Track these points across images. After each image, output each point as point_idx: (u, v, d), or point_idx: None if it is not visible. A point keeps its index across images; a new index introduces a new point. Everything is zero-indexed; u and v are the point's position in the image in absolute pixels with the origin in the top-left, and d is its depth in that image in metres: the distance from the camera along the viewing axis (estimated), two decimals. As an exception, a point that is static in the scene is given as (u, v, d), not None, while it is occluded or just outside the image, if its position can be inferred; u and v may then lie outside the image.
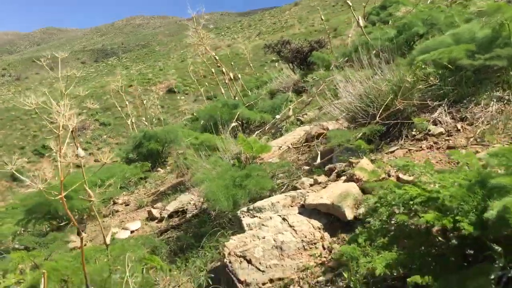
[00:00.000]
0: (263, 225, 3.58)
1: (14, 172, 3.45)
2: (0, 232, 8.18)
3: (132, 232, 6.05)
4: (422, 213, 2.39)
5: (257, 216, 3.80)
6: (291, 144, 6.04)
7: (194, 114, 11.77)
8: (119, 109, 14.65)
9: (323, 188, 3.99)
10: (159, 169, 8.85)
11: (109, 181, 7.82)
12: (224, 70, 9.10)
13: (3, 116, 47.71)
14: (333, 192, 3.60)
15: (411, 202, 2.37)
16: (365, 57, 5.57)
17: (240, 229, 3.93)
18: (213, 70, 10.26)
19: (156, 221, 6.23)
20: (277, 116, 7.61)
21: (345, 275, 2.53)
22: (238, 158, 5.20)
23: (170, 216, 6.01)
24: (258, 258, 3.32)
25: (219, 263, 4.13)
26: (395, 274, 2.30)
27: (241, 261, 3.34)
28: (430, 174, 2.67)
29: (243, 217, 3.86)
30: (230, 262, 3.36)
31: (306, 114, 7.44)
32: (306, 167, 5.29)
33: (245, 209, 3.96)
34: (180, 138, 9.17)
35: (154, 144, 8.88)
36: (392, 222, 2.55)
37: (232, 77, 9.21)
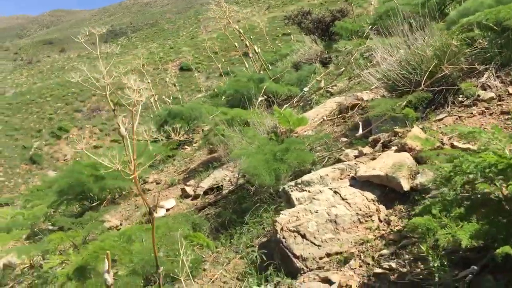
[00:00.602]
0: (314, 198, 3.50)
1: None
2: (32, 214, 8.25)
3: (167, 210, 6.03)
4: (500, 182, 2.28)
5: (306, 190, 3.71)
6: (326, 116, 5.91)
7: (215, 90, 11.64)
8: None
9: (372, 159, 3.87)
10: (185, 146, 8.79)
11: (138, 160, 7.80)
12: (248, 43, 8.93)
13: (18, 100, 48.07)
14: (385, 163, 3.48)
15: (488, 170, 2.25)
16: (395, 23, 5.36)
17: (288, 203, 3.85)
18: (236, 44, 10.07)
19: (190, 198, 6.19)
20: (305, 89, 7.45)
21: (423, 247, 2.43)
22: (274, 132, 5.09)
23: (205, 193, 5.96)
24: (312, 233, 3.25)
25: (265, 239, 4.08)
26: (475, 245, 2.21)
27: (295, 236, 3.26)
28: (498, 140, 2.54)
29: (291, 191, 3.78)
30: (283, 238, 3.29)
31: (335, 85, 7.28)
32: (344, 139, 5.17)
33: (292, 183, 3.88)
34: (204, 115, 9.09)
35: (179, 122, 8.80)
36: (465, 191, 2.44)
37: (256, 50, 9.04)
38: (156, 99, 12.35)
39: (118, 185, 7.02)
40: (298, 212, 3.42)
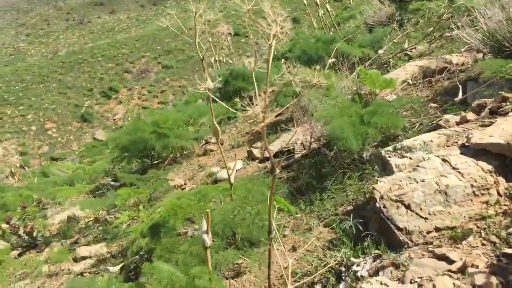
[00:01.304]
0: (418, 166, 3.13)
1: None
2: (93, 169, 8.28)
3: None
4: None
5: (406, 156, 3.35)
6: (411, 79, 5.44)
7: (275, 52, 11.21)
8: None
9: (481, 126, 3.44)
10: (247, 108, 8.51)
11: (200, 119, 7.61)
12: (318, 1, 8.43)
13: (71, 59, 49.12)
14: (504, 130, 3.05)
15: None
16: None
17: (383, 170, 3.51)
18: (305, 1, 9.55)
19: (258, 161, 5.94)
20: (380, 51, 6.94)
21: None
22: (358, 94, 4.70)
23: (274, 156, 5.67)
24: (418, 204, 2.90)
25: (350, 207, 3.78)
26: None
27: (398, 206, 2.93)
28: None
29: (389, 157, 3.42)
30: (384, 207, 2.96)
31: (414, 48, 6.73)
32: (434, 105, 4.73)
33: (390, 148, 3.51)
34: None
35: (241, 83, 8.51)
36: None
37: (328, 9, 8.53)
38: (216, 59, 12.08)
39: (181, 144, 6.85)
40: (400, 180, 3.07)
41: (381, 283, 2.38)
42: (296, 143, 5.60)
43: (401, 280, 2.43)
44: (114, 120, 40.77)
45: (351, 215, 3.51)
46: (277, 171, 1.80)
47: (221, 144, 7.03)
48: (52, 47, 63.09)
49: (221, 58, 12.25)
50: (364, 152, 4.30)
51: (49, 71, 45.82)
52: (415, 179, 3.03)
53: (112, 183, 7.58)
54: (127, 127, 8.20)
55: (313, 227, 3.70)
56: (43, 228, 6.13)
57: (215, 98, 2.91)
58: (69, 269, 5.01)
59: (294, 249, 3.56)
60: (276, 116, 6.99)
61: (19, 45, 65.12)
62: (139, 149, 7.12)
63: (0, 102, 39.09)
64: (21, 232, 5.95)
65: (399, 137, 4.37)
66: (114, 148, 7.44)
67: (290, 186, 4.60)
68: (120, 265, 4.42)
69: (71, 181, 7.97)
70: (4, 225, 6.44)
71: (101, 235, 5.62)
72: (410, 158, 3.30)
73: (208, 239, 2.23)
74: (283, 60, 10.56)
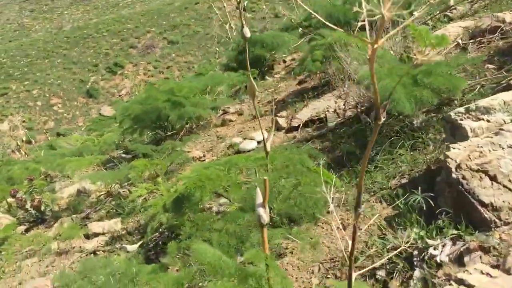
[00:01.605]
0: (501, 129, 2.60)
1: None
2: (103, 141, 7.81)
3: (258, 142, 5.30)
4: None
5: (482, 119, 2.82)
6: (461, 40, 4.86)
7: (292, 20, 10.59)
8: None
9: None
10: (266, 77, 7.95)
11: (217, 88, 7.08)
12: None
13: (75, 34, 48.34)
14: None
15: None
16: None
17: (451, 136, 2.98)
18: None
19: (284, 131, 5.42)
20: (416, 13, 6.31)
21: None
22: (407, 53, 4.14)
23: (304, 125, 5.16)
24: (506, 175, 2.38)
25: (405, 180, 3.27)
26: None
27: (481, 178, 2.41)
28: None
29: (461, 119, 2.89)
30: (464, 179, 2.45)
31: (454, 9, 6.12)
32: (490, 66, 4.18)
33: (461, 109, 2.98)
34: (287, 43, 8.16)
35: (260, 50, 7.93)
36: None
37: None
38: (231, 26, 11.45)
39: (198, 113, 6.33)
40: (481, 146, 2.55)
41: (482, 272, 1.88)
42: (328, 111, 5.07)
43: (504, 269, 1.93)
44: (120, 95, 40.21)
45: (407, 188, 3.02)
46: (382, 119, 1.29)
47: (241, 114, 6.52)
48: (56, 22, 62.12)
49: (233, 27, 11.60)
50: (414, 118, 3.78)
51: (54, 46, 45.11)
52: (499, 144, 2.51)
53: (124, 155, 7.12)
54: (139, 96, 7.67)
55: (363, 202, 3.20)
56: (52, 202, 5.67)
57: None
58: (80, 247, 4.57)
59: (343, 227, 3.07)
60: (297, 84, 6.45)
61: (23, 20, 64.23)
62: (152, 119, 6.62)
63: (5, 77, 38.60)
64: (28, 206, 5.49)
65: (455, 102, 3.83)
66: (125, 119, 6.93)
67: (327, 156, 4.09)
68: (139, 243, 3.97)
69: (80, 153, 7.48)
70: (10, 199, 6.00)
71: (114, 210, 5.16)
72: (488, 121, 2.77)
73: (265, 214, 1.73)
74: (300, 29, 9.96)
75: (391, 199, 3.04)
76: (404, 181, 3.26)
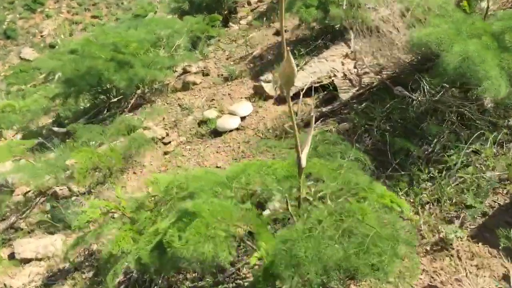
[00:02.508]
0: None
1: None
2: (27, 108, 6.20)
3: (242, 119, 4.01)
4: None
5: None
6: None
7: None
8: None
9: None
10: (230, 24, 6.49)
11: (173, 40, 5.58)
12: None
13: (-15, -34, 42.61)
14: None
15: None
16: None
17: None
18: None
19: (274, 101, 4.17)
20: None
21: None
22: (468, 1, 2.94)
23: (297, 95, 3.92)
24: None
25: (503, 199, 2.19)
26: None
27: None
28: None
29: None
30: None
31: None
32: None
33: None
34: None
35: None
36: None
37: None
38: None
39: (153, 76, 4.88)
40: None
41: None
42: (334, 75, 3.85)
43: None
44: (42, 36, 36.35)
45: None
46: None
47: (207, 75, 5.15)
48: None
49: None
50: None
51: (-40, -19, 39.68)
52: None
53: (56, 129, 5.57)
54: (69, 46, 5.99)
55: (451, 240, 2.09)
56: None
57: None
58: (5, 285, 3.21)
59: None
60: (275, 34, 5.09)
61: None
62: (90, 83, 5.09)
63: None
64: None
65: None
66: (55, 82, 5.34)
67: (353, 146, 2.91)
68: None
69: (-3, 127, 5.86)
70: None
71: (49, 218, 3.78)
72: None
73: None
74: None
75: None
76: (501, 200, 2.18)
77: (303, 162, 1.97)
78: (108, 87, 5.25)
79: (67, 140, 4.94)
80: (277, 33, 5.43)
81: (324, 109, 3.52)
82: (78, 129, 4.13)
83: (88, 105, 6.00)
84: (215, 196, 2.14)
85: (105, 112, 5.39)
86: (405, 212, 2.07)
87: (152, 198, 2.78)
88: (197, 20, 5.93)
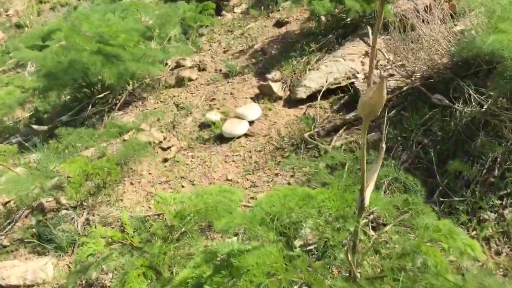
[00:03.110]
0: None
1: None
2: (1, 100, 5.65)
3: (250, 123, 3.64)
4: None
5: None
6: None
7: None
8: None
9: None
10: (224, 12, 6.03)
11: (165, 30, 5.13)
12: None
13: None
14: None
15: None
16: None
17: None
18: None
19: (284, 102, 3.80)
20: None
21: None
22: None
23: (311, 97, 3.58)
24: None
25: None
26: None
27: None
28: None
29: None
30: None
31: None
32: None
33: None
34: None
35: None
36: None
37: None
38: None
39: (146, 70, 4.44)
40: None
41: None
42: (355, 76, 3.51)
43: None
44: (7, 15, 34.71)
45: None
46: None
47: (203, 70, 4.75)
48: None
49: None
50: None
51: None
52: None
53: (36, 127, 5.07)
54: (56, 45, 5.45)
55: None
56: None
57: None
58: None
59: None
60: (276, 25, 4.69)
61: None
62: (74, 78, 4.61)
63: None
64: None
65: None
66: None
67: (390, 161, 2.59)
68: None
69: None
70: None
71: (35, 236, 3.35)
72: None
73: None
74: None
75: None
76: None
77: (366, 201, 1.63)
78: (93, 81, 4.77)
79: (50, 141, 4.49)
80: (278, 24, 5.03)
81: (347, 116, 3.17)
82: (65, 134, 3.67)
83: (68, 97, 5.50)
84: (255, 239, 1.79)
85: (90, 108, 4.91)
86: (478, 255, 1.77)
87: (165, 226, 2.41)
88: (190, 7, 5.46)
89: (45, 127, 4.97)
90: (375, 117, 1.43)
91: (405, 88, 3.11)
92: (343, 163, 2.59)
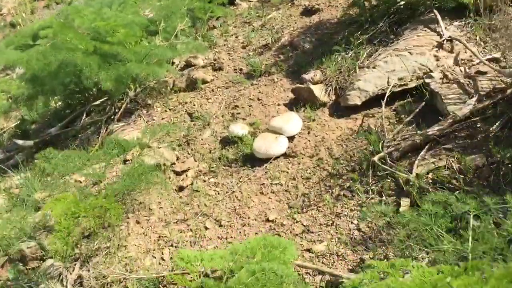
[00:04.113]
0: None
1: None
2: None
3: (290, 139, 2.80)
4: None
5: None
6: None
7: None
8: None
9: None
10: (237, 1, 5.17)
11: (170, 22, 4.29)
12: None
13: None
14: None
15: None
16: None
17: None
18: None
19: (329, 111, 2.96)
20: None
21: None
22: None
23: (368, 105, 2.74)
24: None
25: None
26: None
27: None
28: None
29: None
30: None
31: None
32: None
33: None
34: None
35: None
36: None
37: None
38: None
39: (152, 73, 3.59)
40: None
41: None
42: (428, 75, 2.66)
43: None
44: (1, 14, 33.79)
45: None
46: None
47: (219, 69, 3.91)
48: None
49: None
50: None
51: None
52: None
53: (21, 142, 4.24)
54: (43, 38, 4.63)
55: None
56: None
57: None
58: None
59: None
60: (303, 14, 3.83)
61: None
62: (65, 83, 3.78)
63: None
64: None
65: None
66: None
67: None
68: None
69: None
70: None
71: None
72: None
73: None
74: None
75: None
76: None
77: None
78: (87, 85, 3.92)
79: (36, 159, 3.66)
80: (307, 12, 4.18)
81: (429, 131, 2.33)
82: (51, 160, 2.82)
83: (59, 103, 4.68)
84: None
85: (84, 117, 4.09)
86: None
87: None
88: (195, -3, 4.59)
89: (31, 142, 4.16)
90: None
91: (509, 91, 2.27)
92: (444, 204, 1.78)
